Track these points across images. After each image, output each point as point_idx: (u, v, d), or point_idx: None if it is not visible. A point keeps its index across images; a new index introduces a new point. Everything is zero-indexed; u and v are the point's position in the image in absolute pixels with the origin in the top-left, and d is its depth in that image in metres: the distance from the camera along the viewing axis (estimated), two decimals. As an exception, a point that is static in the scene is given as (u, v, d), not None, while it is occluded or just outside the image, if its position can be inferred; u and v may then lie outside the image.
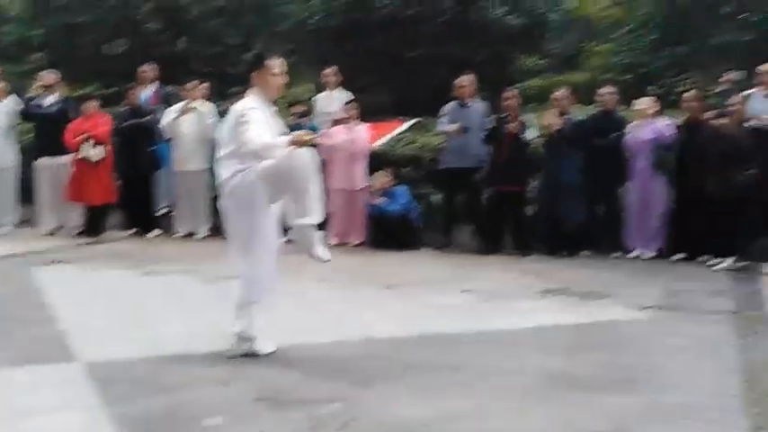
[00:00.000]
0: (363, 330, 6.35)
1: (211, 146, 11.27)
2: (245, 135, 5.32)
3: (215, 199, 11.11)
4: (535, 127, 10.24)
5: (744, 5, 16.11)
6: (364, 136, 10.80)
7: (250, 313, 5.54)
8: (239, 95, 11.16)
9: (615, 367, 5.54)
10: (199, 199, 11.23)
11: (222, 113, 11.80)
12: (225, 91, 13.90)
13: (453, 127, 10.01)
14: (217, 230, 11.11)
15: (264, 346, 5.61)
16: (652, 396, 4.96)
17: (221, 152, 5.59)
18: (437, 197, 10.79)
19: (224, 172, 5.52)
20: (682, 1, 16.19)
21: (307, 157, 5.32)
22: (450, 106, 10.40)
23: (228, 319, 5.63)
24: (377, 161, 10.98)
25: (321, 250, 5.64)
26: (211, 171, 11.41)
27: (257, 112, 5.45)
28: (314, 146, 5.41)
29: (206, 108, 11.33)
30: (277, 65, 5.61)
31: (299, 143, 5.29)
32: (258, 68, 5.60)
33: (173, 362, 5.44)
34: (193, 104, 11.16)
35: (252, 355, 5.52)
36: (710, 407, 4.77)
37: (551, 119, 9.78)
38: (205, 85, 12.07)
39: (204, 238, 11.14)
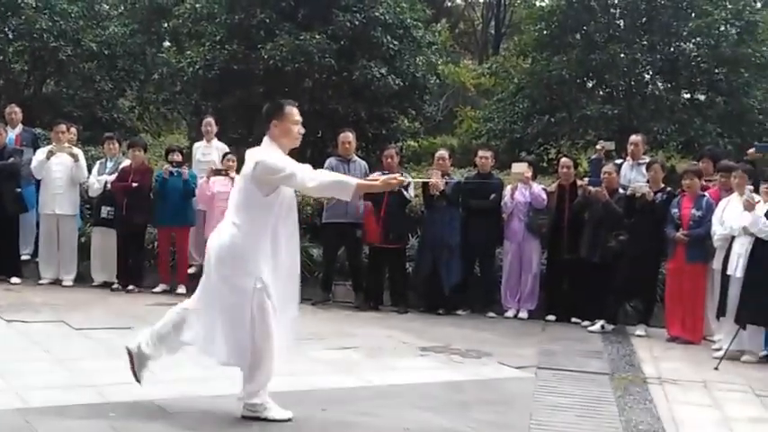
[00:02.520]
0: (246, 384, 6.14)
1: (80, 190, 10.93)
2: (296, 177, 5.01)
3: (83, 245, 10.82)
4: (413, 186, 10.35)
5: (609, 81, 16.99)
6: (243, 187, 10.63)
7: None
8: (110, 140, 10.95)
9: (499, 426, 5.57)
10: (66, 244, 10.74)
11: (93, 158, 11.48)
12: (96, 136, 13.52)
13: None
14: (83, 278, 10.71)
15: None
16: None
17: (232, 207, 5.19)
18: (317, 251, 10.70)
19: (227, 231, 5.11)
20: (551, 74, 16.88)
21: None
22: (331, 162, 10.38)
23: (99, 369, 5.35)
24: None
25: None
26: (81, 216, 11.03)
27: (286, 158, 5.13)
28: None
29: (77, 151, 10.93)
30: (296, 112, 5.27)
31: (389, 186, 5.23)
32: (277, 115, 5.21)
33: (46, 414, 5.08)
34: (65, 147, 10.74)
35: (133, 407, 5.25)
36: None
37: (436, 179, 9.88)
38: (74, 128, 11.64)
39: (71, 285, 10.63)
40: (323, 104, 14.66)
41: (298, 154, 15.31)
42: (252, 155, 5.12)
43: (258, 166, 5.00)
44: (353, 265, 10.35)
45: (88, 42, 16.81)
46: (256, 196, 5.05)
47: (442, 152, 10.67)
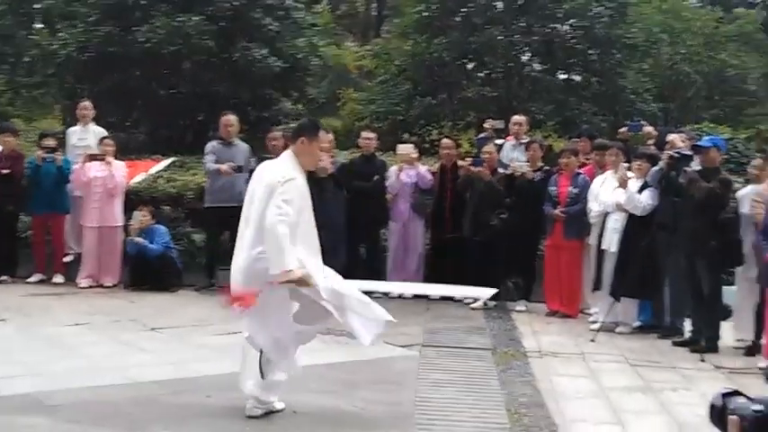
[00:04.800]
0: (129, 374, 6.03)
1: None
2: (273, 214, 4.89)
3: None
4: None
5: (488, 62, 17.28)
6: (122, 172, 10.38)
7: None
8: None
9: (386, 404, 5.64)
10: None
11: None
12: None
13: (225, 166, 9.84)
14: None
15: None
16: (424, 431, 5.08)
17: (252, 222, 5.10)
18: (200, 237, 10.54)
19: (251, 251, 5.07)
20: (432, 56, 17.03)
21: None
22: (214, 145, 10.23)
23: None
24: (134, 199, 10.62)
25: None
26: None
27: (297, 186, 5.07)
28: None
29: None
30: (327, 139, 5.25)
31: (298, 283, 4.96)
32: (308, 134, 5.21)
33: None
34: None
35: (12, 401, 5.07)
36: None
37: (325, 161, 9.82)
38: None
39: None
40: (203, 87, 14.38)
41: (178, 139, 15.01)
42: (275, 170, 5.12)
43: (274, 187, 4.97)
44: (238, 248, 10.23)
45: (-48, 23, 16.07)
46: None
47: (328, 135, 10.63)
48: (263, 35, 14.83)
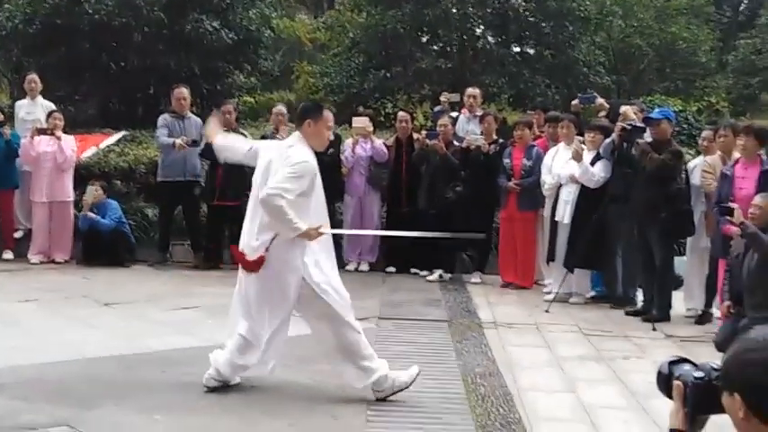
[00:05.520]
0: (82, 349, 5.96)
1: None
2: (271, 187, 4.93)
3: None
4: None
5: (442, 35, 17.25)
6: (71, 146, 10.21)
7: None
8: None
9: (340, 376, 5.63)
10: None
11: None
12: None
13: (180, 141, 9.71)
14: None
15: None
16: (380, 403, 5.11)
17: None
18: (153, 211, 10.43)
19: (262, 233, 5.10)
20: (386, 28, 16.95)
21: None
22: (166, 119, 10.08)
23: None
24: (85, 174, 10.47)
25: None
26: None
27: (311, 168, 5.09)
28: None
29: None
30: (332, 117, 5.41)
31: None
32: (313, 116, 5.23)
33: None
34: None
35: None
36: (439, 410, 5.00)
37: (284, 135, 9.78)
38: None
39: None
40: (153, 59, 14.14)
41: (129, 112, 14.75)
42: (292, 152, 5.11)
43: (291, 167, 5.03)
44: (191, 224, 10.16)
45: None
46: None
47: (280, 107, 10.56)
48: (215, 7, 14.63)
